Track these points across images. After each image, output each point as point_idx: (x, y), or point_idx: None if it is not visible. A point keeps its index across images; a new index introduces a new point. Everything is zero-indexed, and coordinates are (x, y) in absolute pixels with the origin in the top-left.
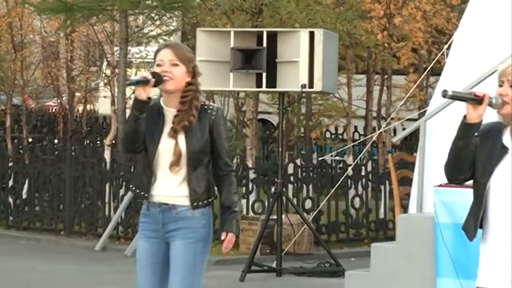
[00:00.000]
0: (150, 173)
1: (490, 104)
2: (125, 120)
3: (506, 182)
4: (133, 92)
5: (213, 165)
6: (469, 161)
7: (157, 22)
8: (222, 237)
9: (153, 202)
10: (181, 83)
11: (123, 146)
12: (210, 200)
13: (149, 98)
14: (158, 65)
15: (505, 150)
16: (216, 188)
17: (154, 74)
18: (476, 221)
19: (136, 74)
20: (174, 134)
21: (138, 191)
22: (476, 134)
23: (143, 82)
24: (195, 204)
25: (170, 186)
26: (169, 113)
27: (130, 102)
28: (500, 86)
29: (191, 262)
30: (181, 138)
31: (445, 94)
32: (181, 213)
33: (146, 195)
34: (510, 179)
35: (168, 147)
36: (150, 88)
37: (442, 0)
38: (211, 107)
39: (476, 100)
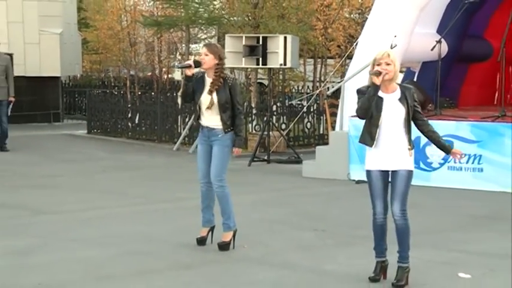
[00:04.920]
0: (199, 112)
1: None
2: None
3: (388, 114)
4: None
5: (232, 108)
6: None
7: (205, 31)
8: (233, 150)
9: (203, 126)
10: (210, 64)
11: (182, 99)
12: (232, 128)
13: (193, 74)
14: (200, 55)
15: (382, 99)
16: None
17: (195, 62)
18: (371, 135)
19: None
20: (210, 92)
21: (196, 119)
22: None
23: (187, 66)
24: (226, 130)
25: (210, 119)
26: (208, 80)
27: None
28: (378, 65)
29: (221, 157)
30: (214, 95)
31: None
32: (217, 132)
33: (200, 121)
34: (388, 113)
35: (206, 99)
36: (192, 69)
37: (353, 19)
38: (230, 78)
39: (377, 73)
